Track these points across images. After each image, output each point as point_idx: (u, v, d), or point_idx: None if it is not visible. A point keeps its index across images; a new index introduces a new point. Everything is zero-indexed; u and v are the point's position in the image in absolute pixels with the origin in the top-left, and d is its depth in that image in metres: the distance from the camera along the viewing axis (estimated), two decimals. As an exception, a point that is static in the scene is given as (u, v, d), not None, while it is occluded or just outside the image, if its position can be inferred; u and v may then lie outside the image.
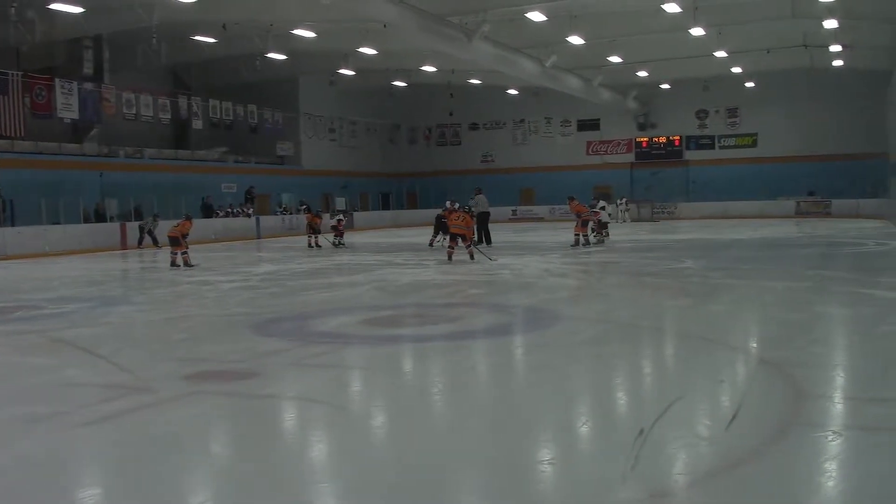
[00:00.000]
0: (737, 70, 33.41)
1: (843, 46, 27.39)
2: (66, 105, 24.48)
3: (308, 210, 28.70)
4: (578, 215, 19.94)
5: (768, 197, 35.56)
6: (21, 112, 23.11)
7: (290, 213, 32.09)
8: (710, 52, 28.63)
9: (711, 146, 39.36)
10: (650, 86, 36.77)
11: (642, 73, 33.88)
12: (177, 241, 16.19)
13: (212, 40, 26.22)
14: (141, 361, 7.04)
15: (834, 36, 25.91)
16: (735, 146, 38.83)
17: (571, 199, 20.68)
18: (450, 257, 16.03)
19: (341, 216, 24.25)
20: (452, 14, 22.63)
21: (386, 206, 41.07)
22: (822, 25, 24.03)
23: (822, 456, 4.16)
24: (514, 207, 40.10)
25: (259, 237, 28.94)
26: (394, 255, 18.91)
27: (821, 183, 35.28)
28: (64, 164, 24.81)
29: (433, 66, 31.25)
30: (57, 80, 24.33)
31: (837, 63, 30.88)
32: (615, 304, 10.37)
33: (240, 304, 10.94)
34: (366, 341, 7.87)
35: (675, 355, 7.33)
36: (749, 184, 36.32)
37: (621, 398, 5.72)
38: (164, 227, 20.45)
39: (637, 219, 35.69)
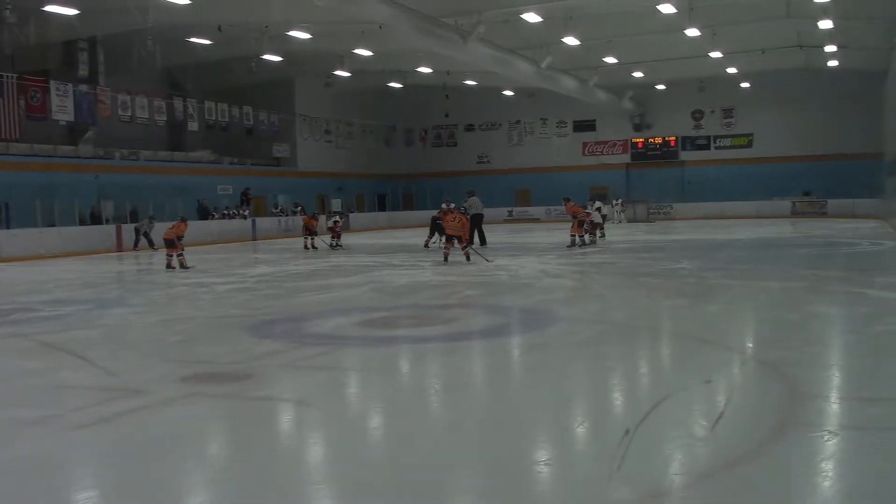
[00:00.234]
0: (732, 70, 33.48)
1: (837, 47, 27.45)
2: (62, 107, 24.45)
3: (303, 211, 28.67)
4: (574, 216, 19.98)
5: (764, 197, 35.60)
6: (16, 114, 23.08)
7: (286, 215, 32.06)
8: (706, 52, 28.68)
9: (707, 147, 39.44)
10: (646, 86, 36.81)
11: (638, 74, 33.93)
12: (172, 244, 16.17)
13: (207, 42, 26.19)
14: (136, 364, 7.03)
15: (829, 36, 25.97)
16: (731, 146, 38.91)
17: (567, 200, 20.75)
18: (446, 258, 16.03)
19: (338, 218, 24.23)
20: (447, 15, 22.61)
21: (382, 208, 41.05)
22: (816, 26, 24.06)
23: (818, 456, 4.16)
24: (510, 208, 40.14)
25: (255, 239, 28.89)
26: (390, 257, 18.90)
27: (816, 183, 35.33)
28: (59, 167, 24.79)
29: (428, 67, 31.26)
30: (52, 82, 24.31)
31: (832, 63, 30.94)
32: (611, 305, 10.37)
33: (235, 305, 10.93)
34: (362, 343, 7.86)
35: (671, 356, 7.34)
36: (745, 184, 36.36)
37: (618, 399, 5.71)
38: (159, 230, 20.43)
39: (633, 219, 35.72)
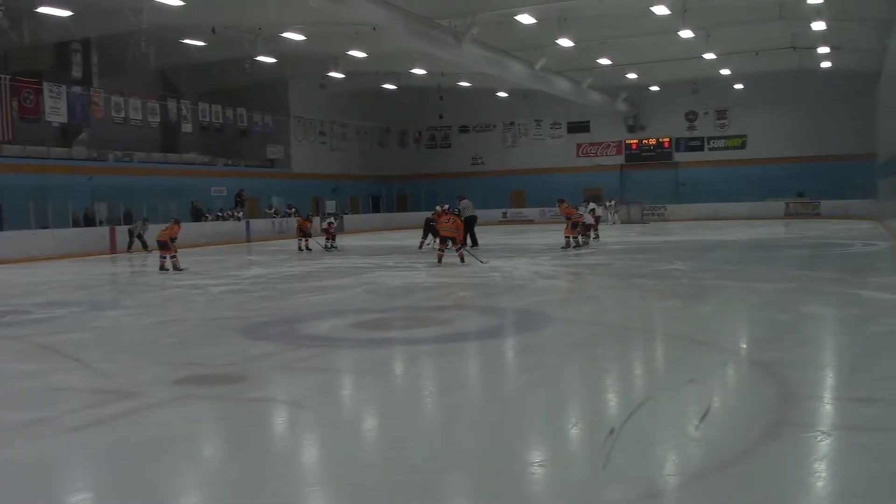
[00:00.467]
0: (725, 72, 33.59)
1: (830, 48, 27.54)
2: (55, 109, 24.37)
3: (297, 213, 28.62)
4: (568, 217, 20.01)
5: (757, 198, 35.71)
6: (9, 116, 23.00)
7: (280, 216, 32.03)
8: (699, 54, 28.77)
9: (701, 148, 39.54)
10: (640, 88, 36.90)
11: (632, 76, 34.00)
12: (165, 245, 16.13)
13: (201, 43, 26.14)
14: (130, 365, 7.02)
15: (822, 37, 26.06)
16: (724, 148, 39.02)
17: (561, 201, 20.79)
18: (440, 260, 16.03)
19: (332, 219, 24.21)
20: (441, 17, 22.64)
21: (376, 209, 41.05)
22: (810, 27, 24.16)
23: (811, 456, 4.18)
24: (504, 210, 40.18)
25: (249, 241, 28.84)
26: (384, 258, 18.89)
27: (809, 184, 35.46)
28: (53, 168, 24.70)
29: (423, 68, 31.27)
30: (45, 83, 24.22)
31: (826, 65, 31.07)
32: (605, 306, 10.39)
33: (229, 307, 10.92)
34: (356, 344, 7.86)
35: (664, 357, 7.35)
36: (738, 185, 36.45)
37: (612, 400, 5.72)
38: (153, 231, 20.39)
39: (627, 220, 35.78)
